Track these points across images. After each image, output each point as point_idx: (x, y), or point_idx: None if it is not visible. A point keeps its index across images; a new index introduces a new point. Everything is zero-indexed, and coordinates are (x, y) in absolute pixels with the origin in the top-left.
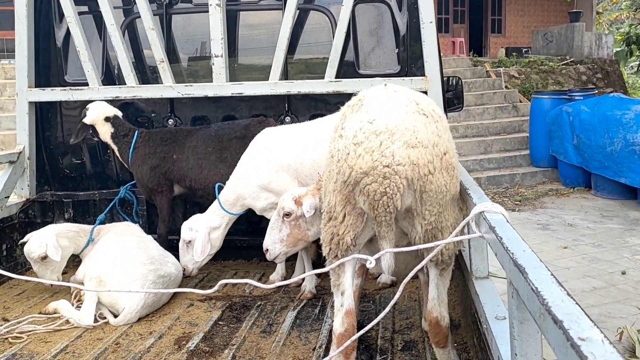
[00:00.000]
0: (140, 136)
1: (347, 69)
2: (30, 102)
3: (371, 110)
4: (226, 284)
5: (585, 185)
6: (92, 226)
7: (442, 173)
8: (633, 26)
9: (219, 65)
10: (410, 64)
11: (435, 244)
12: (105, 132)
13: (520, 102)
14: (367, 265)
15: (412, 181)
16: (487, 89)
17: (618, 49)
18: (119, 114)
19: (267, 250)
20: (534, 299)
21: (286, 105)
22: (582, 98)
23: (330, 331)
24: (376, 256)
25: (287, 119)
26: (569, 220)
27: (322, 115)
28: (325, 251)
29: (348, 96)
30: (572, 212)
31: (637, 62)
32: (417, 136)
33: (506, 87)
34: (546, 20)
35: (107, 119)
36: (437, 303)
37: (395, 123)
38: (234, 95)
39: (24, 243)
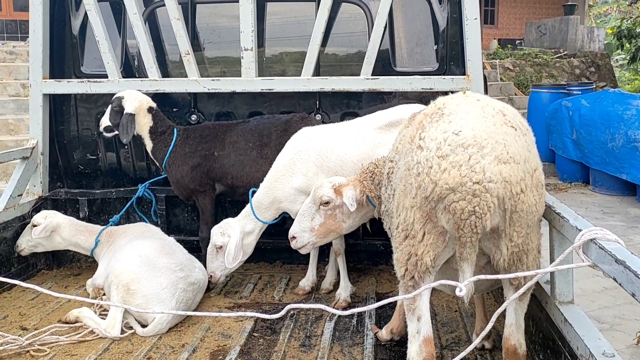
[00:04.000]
0: (180, 134)
1: (383, 66)
2: (44, 95)
3: (455, 121)
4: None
5: (583, 180)
6: (99, 226)
7: (533, 191)
8: (624, 20)
9: (249, 59)
10: (449, 61)
11: (535, 272)
12: (144, 125)
13: (516, 94)
14: (457, 293)
15: (503, 200)
16: None
17: (608, 42)
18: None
19: (294, 237)
20: None
21: (317, 102)
22: (580, 92)
23: (375, 346)
24: (466, 282)
25: (318, 116)
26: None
27: (354, 114)
28: (399, 272)
29: (382, 95)
30: (572, 208)
31: (623, 56)
32: (509, 150)
33: (501, 79)
34: (538, 12)
35: (150, 110)
36: (515, 329)
37: (485, 135)
38: (263, 91)
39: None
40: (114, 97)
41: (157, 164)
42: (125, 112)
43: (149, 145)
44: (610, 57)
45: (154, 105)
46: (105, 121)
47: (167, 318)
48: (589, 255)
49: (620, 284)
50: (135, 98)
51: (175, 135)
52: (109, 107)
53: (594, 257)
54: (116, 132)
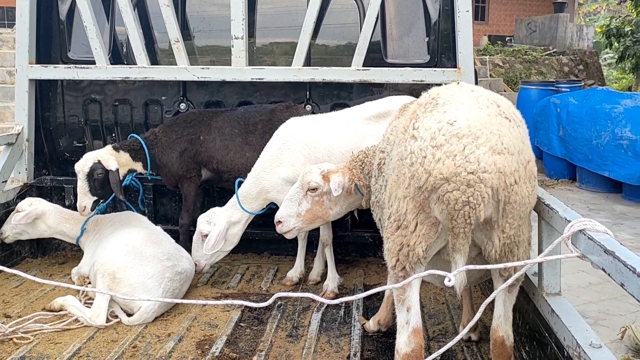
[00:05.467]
0: (152, 136)
1: (373, 57)
2: (30, 80)
3: (450, 111)
4: (240, 281)
5: (570, 177)
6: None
7: (526, 183)
8: (613, 18)
9: (239, 48)
10: (440, 54)
11: (524, 263)
12: (125, 164)
13: (505, 91)
14: (446, 282)
15: (497, 191)
16: None
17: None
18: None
19: (280, 222)
20: None
21: (307, 92)
22: (568, 90)
23: (363, 337)
24: (455, 272)
25: (308, 107)
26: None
27: (344, 105)
28: (390, 262)
29: (372, 86)
30: None
31: (612, 55)
32: (503, 141)
33: (491, 75)
34: (529, 10)
35: (116, 149)
36: (503, 321)
37: (479, 126)
38: (254, 80)
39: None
40: (85, 168)
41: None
42: (111, 170)
43: (139, 168)
44: (599, 56)
45: (114, 145)
46: (85, 202)
47: (153, 307)
48: (578, 246)
49: (609, 275)
50: (107, 154)
51: (143, 143)
52: (84, 183)
53: (583, 247)
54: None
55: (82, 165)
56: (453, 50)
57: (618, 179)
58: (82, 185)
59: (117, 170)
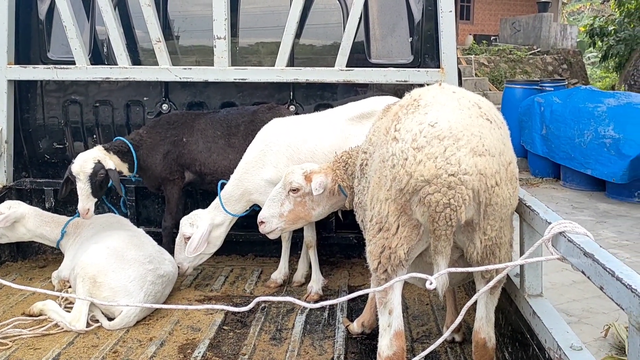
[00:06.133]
0: (137, 137)
1: (357, 57)
2: (9, 81)
3: (431, 112)
4: (224, 283)
5: (554, 176)
6: (66, 217)
7: (507, 185)
8: (597, 18)
9: (221, 48)
10: (424, 54)
11: (505, 265)
12: (115, 162)
13: (490, 90)
14: (427, 286)
15: (478, 193)
16: None
17: (580, 40)
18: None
19: (263, 222)
20: None
21: (291, 93)
22: (552, 89)
23: (347, 339)
24: (436, 275)
25: (292, 107)
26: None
27: (328, 105)
28: (372, 265)
29: (356, 86)
30: (543, 203)
31: (595, 54)
32: (484, 143)
33: (476, 74)
34: (513, 9)
35: (107, 149)
36: (485, 323)
37: (460, 128)
38: (236, 81)
39: None
40: (87, 169)
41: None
42: (109, 169)
43: (125, 170)
44: (583, 55)
45: (104, 145)
46: (88, 204)
47: (134, 311)
48: (558, 248)
49: (588, 277)
50: (103, 154)
51: (130, 145)
52: (86, 185)
53: (563, 250)
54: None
55: (82, 167)
56: (436, 51)
57: (601, 177)
58: (84, 188)
59: (115, 168)
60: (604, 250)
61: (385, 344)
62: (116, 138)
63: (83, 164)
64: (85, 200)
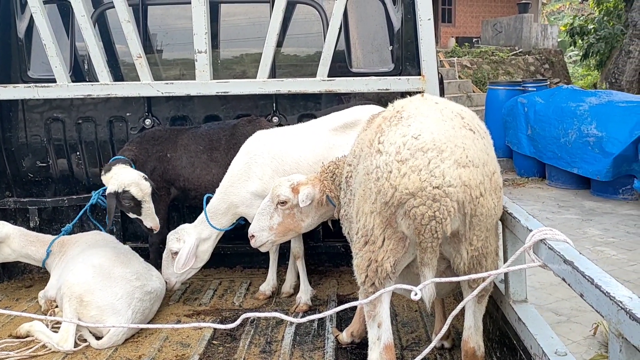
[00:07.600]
0: (130, 154)
1: (339, 66)
2: None
3: (414, 124)
4: (212, 297)
5: (540, 175)
6: (51, 236)
7: (492, 195)
8: (577, 17)
9: (203, 62)
10: (405, 62)
11: (488, 274)
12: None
13: (474, 92)
14: (412, 297)
15: (462, 204)
16: None
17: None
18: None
19: (253, 236)
20: None
21: (274, 104)
22: (535, 89)
23: (336, 349)
24: (421, 286)
25: (275, 119)
26: (527, 211)
27: (312, 115)
28: (360, 279)
29: (340, 96)
30: (529, 202)
31: (576, 52)
32: (468, 154)
33: (459, 77)
34: (494, 11)
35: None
36: (473, 332)
37: (444, 139)
38: (219, 94)
39: None
40: (147, 190)
41: None
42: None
43: None
44: (564, 54)
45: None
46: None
47: (122, 329)
48: (540, 255)
49: (569, 285)
50: (129, 178)
51: (132, 164)
52: (151, 204)
53: (544, 257)
54: None
55: (142, 189)
56: (417, 58)
57: (586, 175)
58: (150, 206)
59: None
60: (583, 258)
61: (375, 358)
62: (115, 157)
63: (140, 186)
64: (154, 215)
